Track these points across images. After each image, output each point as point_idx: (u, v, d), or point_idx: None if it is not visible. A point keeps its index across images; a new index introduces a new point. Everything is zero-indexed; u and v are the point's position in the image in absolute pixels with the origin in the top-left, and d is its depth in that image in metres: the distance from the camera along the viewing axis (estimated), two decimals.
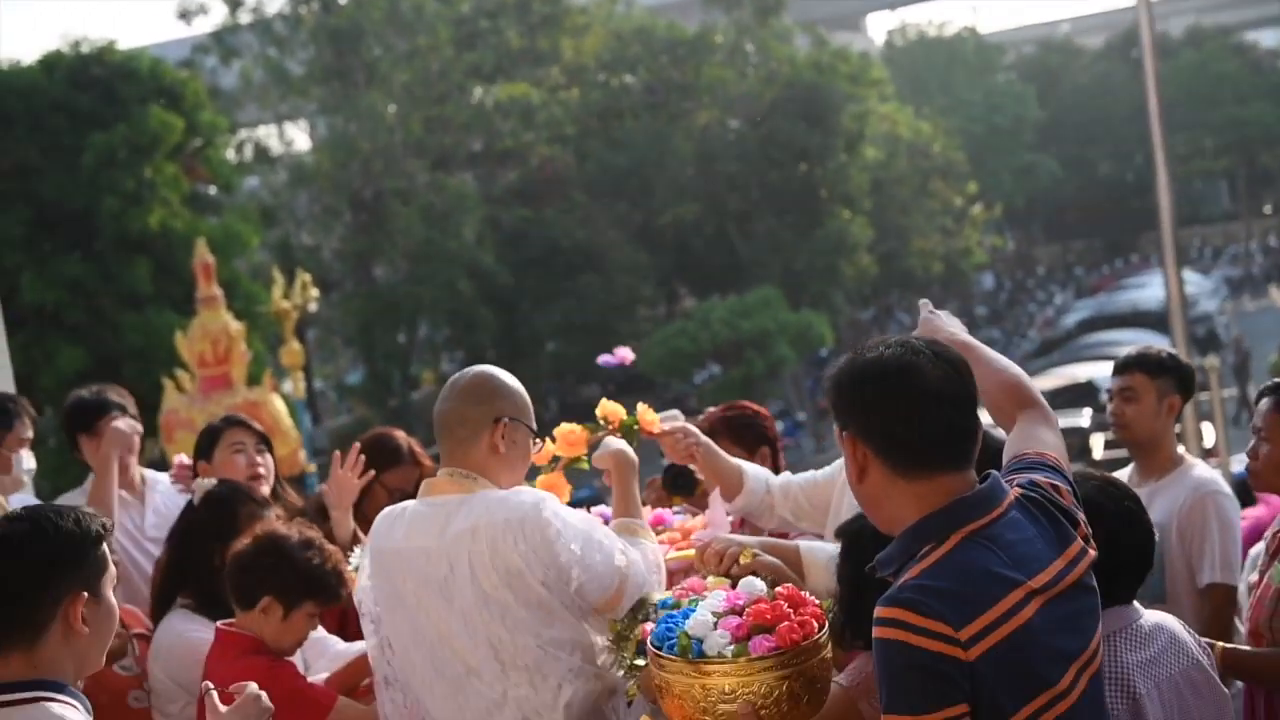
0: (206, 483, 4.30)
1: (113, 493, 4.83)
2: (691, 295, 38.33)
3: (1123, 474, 4.45)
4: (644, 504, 4.01)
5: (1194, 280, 37.14)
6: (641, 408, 3.91)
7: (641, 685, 2.92)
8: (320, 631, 4.06)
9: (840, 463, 3.48)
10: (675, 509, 4.33)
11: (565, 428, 3.83)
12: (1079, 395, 22.82)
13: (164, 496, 5.15)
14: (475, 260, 30.74)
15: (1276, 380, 3.78)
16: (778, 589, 2.75)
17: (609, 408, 3.91)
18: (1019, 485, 2.46)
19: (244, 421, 4.95)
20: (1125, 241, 54.64)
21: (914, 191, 39.52)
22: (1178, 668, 2.92)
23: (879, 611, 2.25)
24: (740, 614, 2.65)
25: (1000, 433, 2.84)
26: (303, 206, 33.44)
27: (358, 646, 3.90)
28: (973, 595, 2.24)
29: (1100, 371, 23.89)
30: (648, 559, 3.34)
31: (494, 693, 3.19)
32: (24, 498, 4.96)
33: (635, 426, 3.87)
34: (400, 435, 4.91)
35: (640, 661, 2.89)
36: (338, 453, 4.41)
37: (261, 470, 4.77)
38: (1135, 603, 3.02)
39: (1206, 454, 13.83)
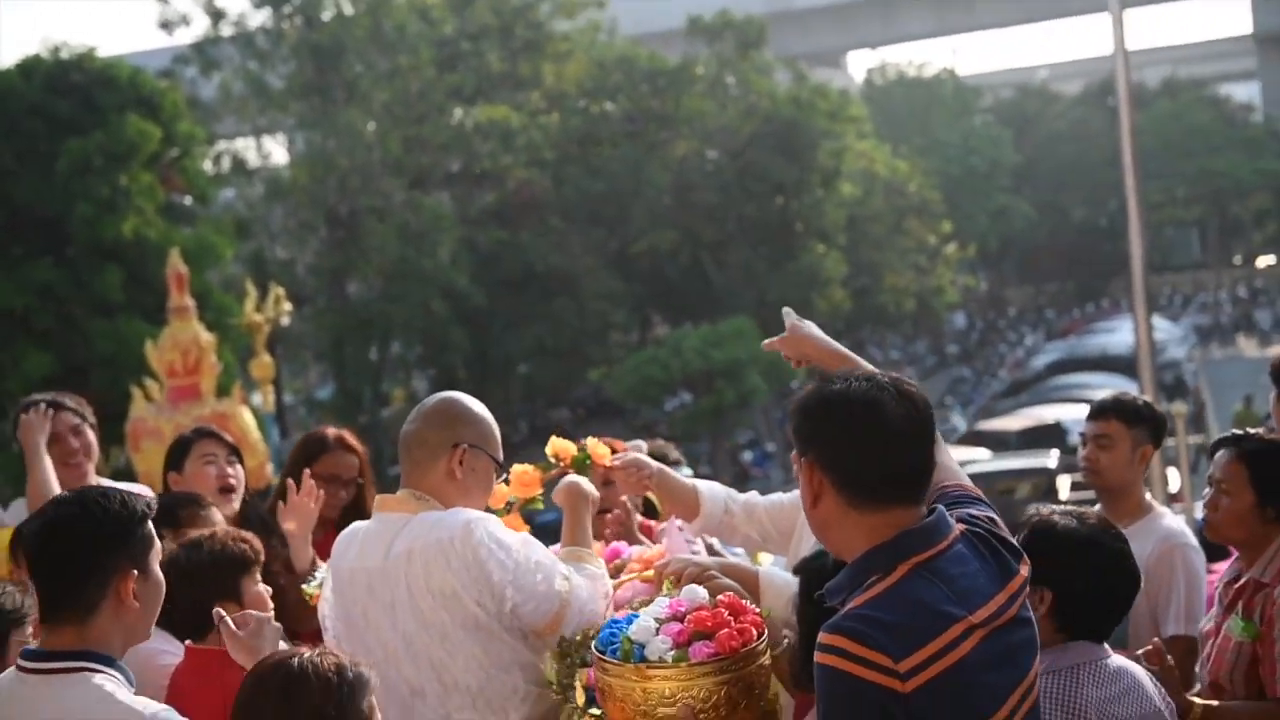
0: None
1: (46, 478, 4.70)
2: (664, 323, 38.41)
3: None
4: (609, 538, 4.01)
5: (1163, 327, 37.48)
6: (592, 442, 3.90)
7: None
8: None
9: None
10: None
11: (519, 469, 3.80)
12: (1047, 436, 22.97)
13: None
14: (449, 280, 30.71)
15: (1233, 431, 3.81)
16: (719, 597, 2.79)
17: (559, 445, 3.90)
18: (961, 520, 2.49)
19: (215, 433, 4.94)
20: (1096, 286, 55.13)
21: (888, 229, 39.78)
22: (1137, 711, 2.94)
23: (822, 637, 2.29)
24: (682, 620, 2.70)
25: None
26: (278, 220, 33.34)
27: None
28: (915, 628, 2.28)
29: (1068, 413, 24.06)
30: (595, 585, 3.31)
31: (437, 716, 3.18)
32: None
33: (587, 461, 3.86)
34: (329, 429, 4.96)
35: (595, 712, 2.90)
36: (290, 480, 4.37)
37: (233, 481, 4.76)
38: (1105, 644, 3.05)
39: (1171, 499, 13.93)
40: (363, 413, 32.34)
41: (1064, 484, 17.24)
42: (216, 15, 32.74)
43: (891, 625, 2.26)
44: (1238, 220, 56.61)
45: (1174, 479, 15.26)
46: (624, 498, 4.15)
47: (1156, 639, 3.50)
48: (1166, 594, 4.20)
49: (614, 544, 3.94)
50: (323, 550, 3.94)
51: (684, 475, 4.55)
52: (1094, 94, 53.11)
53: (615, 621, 2.80)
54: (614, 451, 4.03)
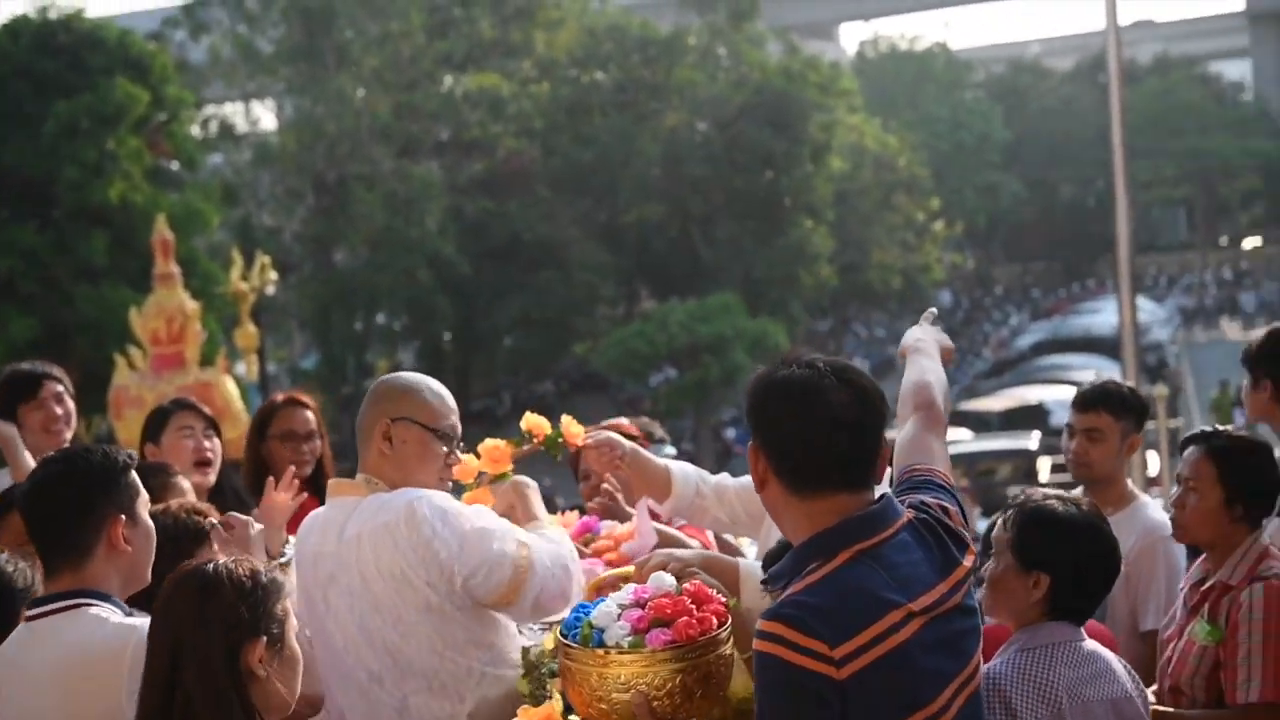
0: None
1: (19, 456, 4.66)
2: (651, 296, 38.33)
3: None
4: (594, 514, 4.02)
5: (1148, 308, 37.52)
6: (566, 420, 3.90)
7: None
8: None
9: None
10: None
11: (490, 443, 3.78)
12: (1029, 417, 23.06)
13: None
14: (436, 249, 30.64)
15: (1203, 429, 3.76)
16: (685, 585, 2.79)
17: (533, 421, 3.90)
18: (910, 507, 2.49)
19: (193, 405, 4.93)
20: (1083, 265, 55.07)
21: (877, 205, 39.68)
22: (1108, 694, 2.96)
23: (760, 624, 2.30)
24: (644, 607, 2.71)
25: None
26: (265, 187, 33.22)
27: None
28: (850, 614, 2.28)
29: (1051, 394, 24.16)
30: (557, 549, 3.29)
31: (394, 700, 3.19)
32: None
33: (560, 439, 3.87)
34: (278, 395, 5.09)
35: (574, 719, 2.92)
36: (271, 479, 4.27)
37: (209, 454, 4.75)
38: (1081, 628, 3.07)
39: (1150, 483, 14.00)
40: (347, 383, 32.33)
41: (1044, 466, 17.32)
42: None
43: (828, 611, 2.27)
44: (1225, 201, 56.60)
45: (1153, 463, 15.33)
46: (608, 476, 4.15)
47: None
48: (1146, 587, 4.19)
49: (584, 519, 3.96)
50: (296, 517, 3.93)
51: (667, 454, 4.59)
52: (1085, 70, 52.89)
53: (583, 605, 2.82)
54: (628, 435, 4.04)
